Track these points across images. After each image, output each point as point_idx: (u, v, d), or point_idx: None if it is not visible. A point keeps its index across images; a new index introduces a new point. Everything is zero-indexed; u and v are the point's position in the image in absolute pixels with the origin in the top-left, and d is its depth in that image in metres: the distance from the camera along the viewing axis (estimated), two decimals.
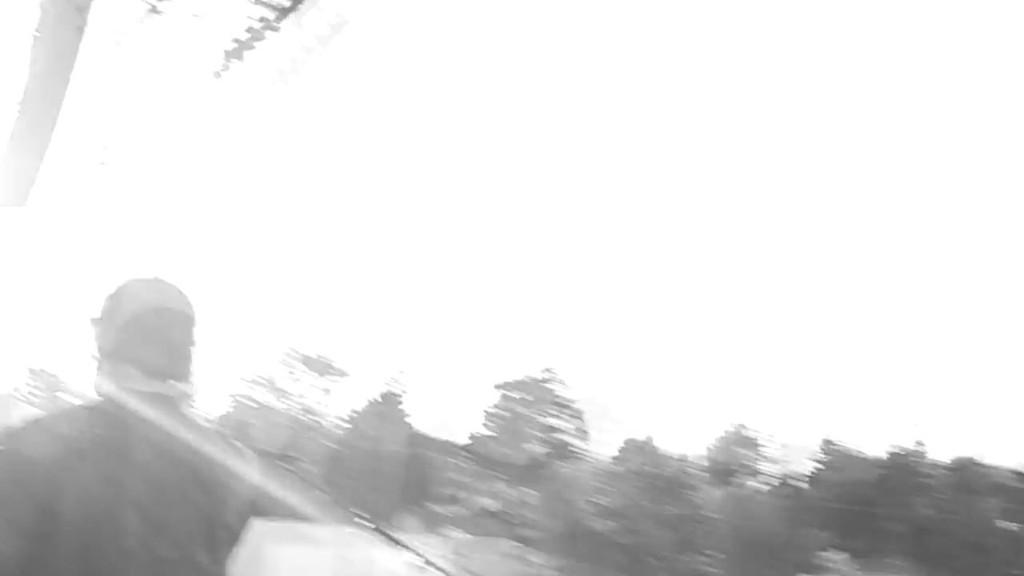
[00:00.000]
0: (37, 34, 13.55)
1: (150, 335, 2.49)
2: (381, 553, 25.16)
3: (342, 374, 64.59)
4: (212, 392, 72.83)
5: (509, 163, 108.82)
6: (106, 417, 2.39)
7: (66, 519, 2.27)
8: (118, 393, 2.42)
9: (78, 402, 2.51)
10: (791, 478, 63.95)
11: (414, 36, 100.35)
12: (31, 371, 52.31)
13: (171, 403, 2.42)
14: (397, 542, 4.21)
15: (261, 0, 13.97)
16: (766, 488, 61.98)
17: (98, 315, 2.54)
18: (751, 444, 64.62)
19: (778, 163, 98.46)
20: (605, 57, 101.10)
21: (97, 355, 2.56)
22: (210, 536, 2.47)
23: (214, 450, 2.48)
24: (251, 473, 2.63)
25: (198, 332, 2.62)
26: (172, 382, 2.51)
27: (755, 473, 63.30)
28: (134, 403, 2.38)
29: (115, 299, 2.55)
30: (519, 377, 65.30)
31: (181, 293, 2.61)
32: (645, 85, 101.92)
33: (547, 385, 65.13)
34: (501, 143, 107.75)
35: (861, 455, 61.81)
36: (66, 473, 2.32)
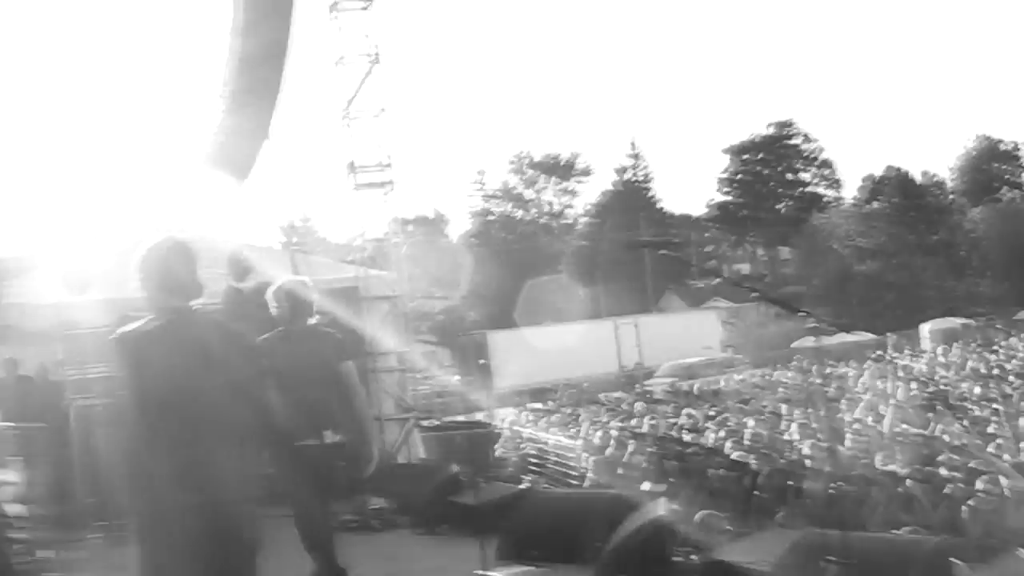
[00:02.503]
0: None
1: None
2: None
3: (578, 171, 63.46)
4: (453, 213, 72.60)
5: None
6: None
7: None
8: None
9: None
10: None
11: None
12: None
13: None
14: None
15: None
16: None
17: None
18: (1003, 155, 61.20)
19: None
20: None
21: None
22: None
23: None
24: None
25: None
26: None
27: (1014, 184, 59.75)
28: None
29: None
30: (751, 137, 62.92)
31: None
32: None
33: (784, 140, 62.77)
34: None
35: None
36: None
